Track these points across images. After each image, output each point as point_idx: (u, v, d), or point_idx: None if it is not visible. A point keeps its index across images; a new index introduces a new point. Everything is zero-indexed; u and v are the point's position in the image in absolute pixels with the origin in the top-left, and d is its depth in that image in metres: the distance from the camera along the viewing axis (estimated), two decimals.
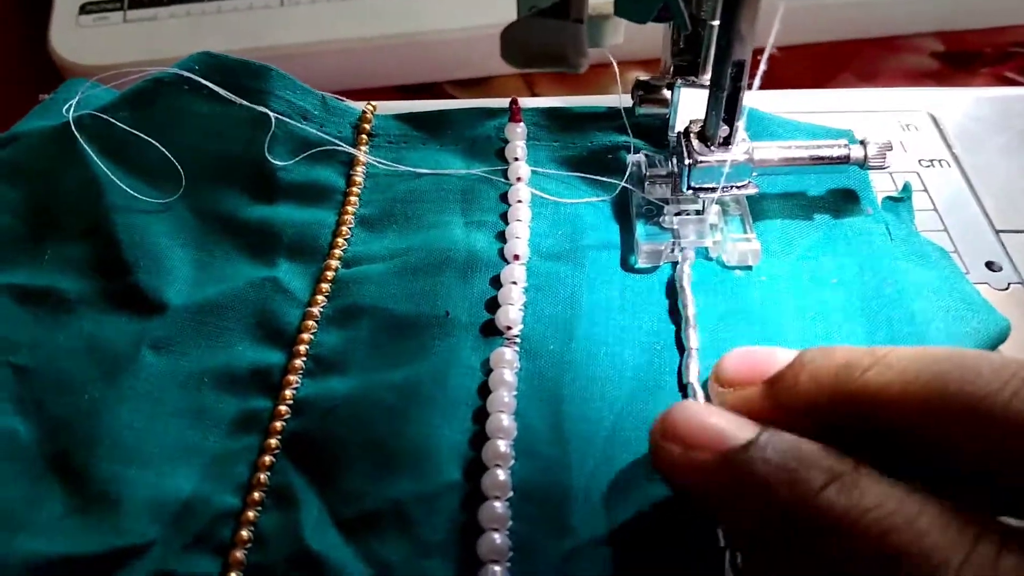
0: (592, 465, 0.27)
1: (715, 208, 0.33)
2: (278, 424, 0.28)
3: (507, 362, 0.29)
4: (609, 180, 0.35)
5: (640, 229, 0.33)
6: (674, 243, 0.32)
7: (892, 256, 0.32)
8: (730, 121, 0.30)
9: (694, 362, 0.29)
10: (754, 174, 0.32)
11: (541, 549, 0.25)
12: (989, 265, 0.34)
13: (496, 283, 0.32)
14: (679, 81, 0.32)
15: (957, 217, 0.35)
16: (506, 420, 0.27)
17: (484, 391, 0.28)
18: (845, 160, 0.32)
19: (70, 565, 0.25)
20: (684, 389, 0.29)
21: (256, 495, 0.26)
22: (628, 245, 0.33)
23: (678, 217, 0.33)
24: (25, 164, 0.35)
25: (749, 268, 0.32)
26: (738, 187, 0.32)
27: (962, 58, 0.61)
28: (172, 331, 0.31)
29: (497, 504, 0.26)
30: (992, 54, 0.61)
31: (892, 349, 0.21)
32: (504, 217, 0.34)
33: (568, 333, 0.30)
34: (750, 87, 0.29)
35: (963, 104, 0.41)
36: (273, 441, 0.28)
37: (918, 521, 0.18)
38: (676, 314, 0.31)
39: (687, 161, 0.31)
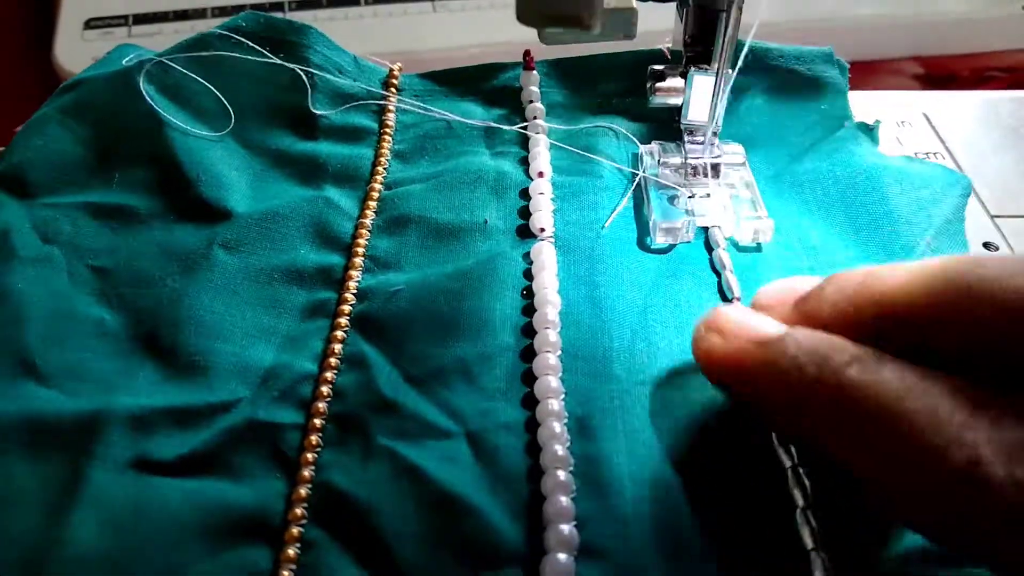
0: (629, 334, 0.30)
1: (725, 191, 0.35)
2: (346, 308, 0.31)
3: (547, 253, 0.33)
4: (624, 170, 0.36)
5: (656, 209, 0.34)
6: (689, 221, 0.33)
7: (861, 155, 0.37)
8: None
9: (726, 256, 0.33)
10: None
11: (590, 390, 0.29)
12: (987, 245, 0.35)
13: (525, 196, 0.35)
14: (692, 69, 0.34)
15: None
16: (551, 295, 0.31)
17: (528, 276, 0.32)
18: None
19: (169, 414, 0.28)
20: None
21: (332, 361, 0.29)
22: (643, 227, 0.35)
23: (691, 199, 0.34)
24: (90, 103, 0.38)
25: (759, 248, 0.34)
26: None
27: (941, 81, 0.64)
28: (240, 234, 0.34)
29: (550, 357, 0.29)
30: (970, 78, 0.64)
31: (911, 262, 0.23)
32: (525, 146, 0.38)
33: (595, 232, 0.34)
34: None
35: (954, 105, 0.43)
36: (343, 321, 0.31)
37: (932, 388, 0.20)
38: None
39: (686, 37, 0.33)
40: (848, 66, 0.40)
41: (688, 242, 0.34)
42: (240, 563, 0.25)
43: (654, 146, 0.37)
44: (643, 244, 0.34)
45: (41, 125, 0.37)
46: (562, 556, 0.24)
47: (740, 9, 0.31)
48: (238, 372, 0.29)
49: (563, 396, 0.28)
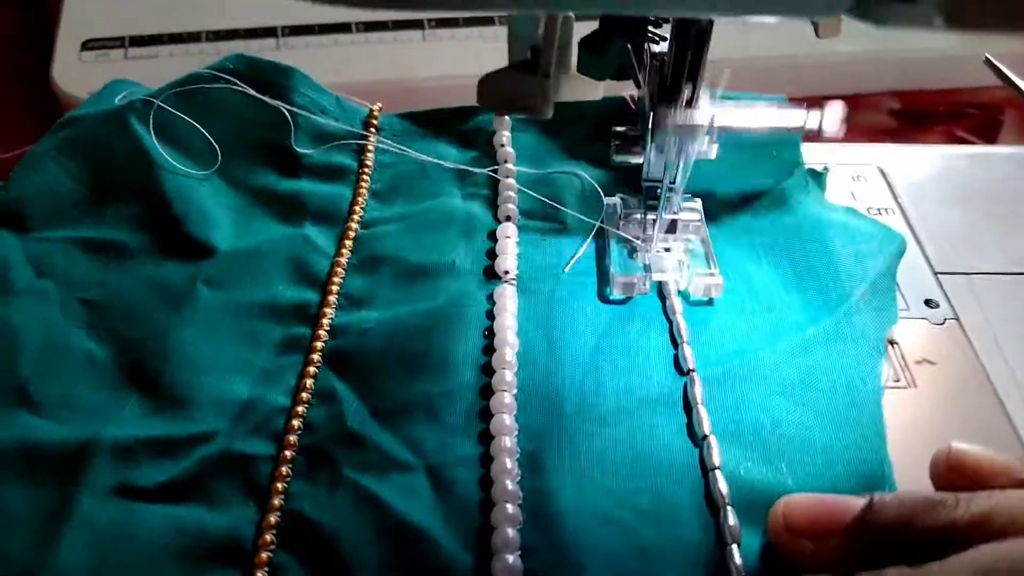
0: (580, 374, 0.33)
1: (682, 246, 0.37)
2: (318, 344, 0.34)
3: (508, 295, 0.35)
4: (587, 220, 0.38)
5: (616, 263, 0.36)
6: (646, 276, 0.35)
7: (808, 205, 0.39)
8: (693, 78, 0.32)
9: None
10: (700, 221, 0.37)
11: (542, 427, 0.31)
12: (928, 302, 0.37)
13: (493, 237, 0.38)
14: (650, 136, 0.35)
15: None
16: (511, 336, 0.33)
17: (490, 316, 0.35)
18: (800, 130, 0.36)
19: (152, 445, 0.30)
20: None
21: (304, 395, 0.32)
22: (603, 276, 0.37)
23: (649, 254, 0.36)
24: (84, 140, 0.40)
25: (710, 303, 0.36)
26: (700, 151, 0.34)
27: (918, 116, 0.65)
28: (222, 271, 0.36)
29: (506, 395, 0.32)
30: (946, 113, 0.65)
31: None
32: (495, 189, 0.41)
33: (556, 277, 0.37)
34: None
35: (909, 159, 0.45)
36: (315, 356, 0.33)
37: None
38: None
39: (649, 124, 0.33)
40: None
41: (644, 294, 0.36)
42: None
43: (617, 199, 0.39)
44: (602, 294, 0.36)
45: (38, 162, 0.39)
46: None
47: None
48: (216, 404, 0.31)
49: (516, 433, 0.30)
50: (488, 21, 0.63)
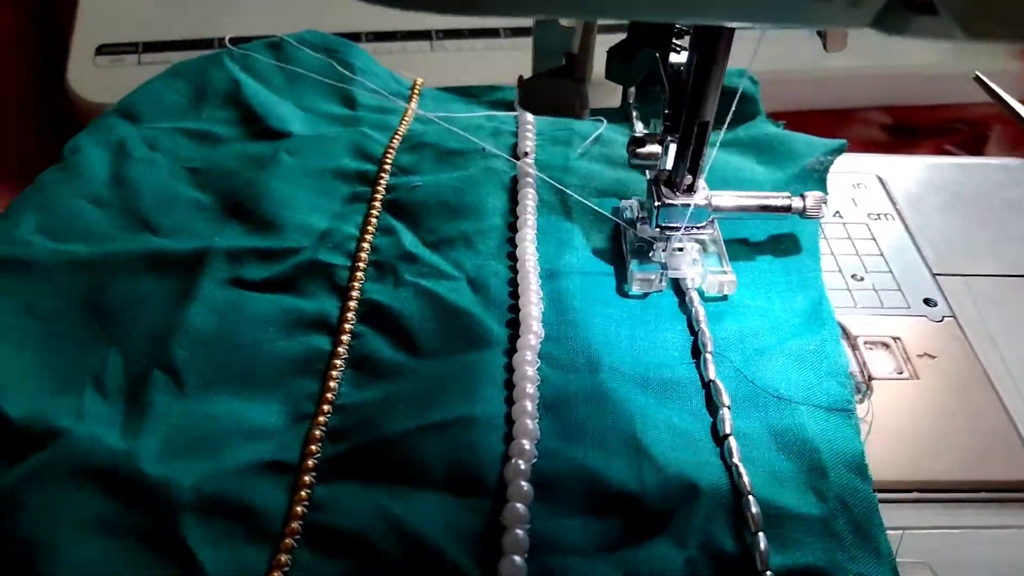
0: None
1: (696, 246, 0.39)
2: (378, 196, 0.42)
3: (528, 165, 0.43)
4: (605, 214, 0.40)
5: (633, 261, 0.38)
6: (662, 273, 0.37)
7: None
8: (693, 171, 0.36)
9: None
10: (711, 218, 0.38)
11: (557, 256, 0.39)
12: (927, 301, 0.39)
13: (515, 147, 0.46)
14: (668, 137, 0.37)
15: (900, 261, 0.41)
16: (530, 193, 0.42)
17: (513, 181, 0.43)
18: (787, 210, 0.39)
19: (255, 253, 0.38)
20: None
21: (369, 228, 0.40)
22: (621, 272, 0.39)
23: (665, 252, 0.38)
24: (185, 69, 0.50)
25: (725, 298, 0.38)
26: (699, 227, 0.38)
27: (907, 131, 0.68)
28: (298, 145, 0.44)
29: (528, 232, 0.39)
30: (934, 128, 0.67)
31: None
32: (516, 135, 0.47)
33: (567, 160, 0.45)
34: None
35: (907, 169, 0.47)
36: (376, 204, 0.41)
37: None
38: None
39: (656, 203, 0.37)
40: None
41: (660, 291, 0.38)
42: (308, 343, 0.35)
43: (634, 201, 0.41)
44: (620, 290, 0.38)
45: (148, 83, 0.49)
46: (528, 355, 0.33)
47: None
48: (302, 230, 0.39)
49: (537, 258, 0.38)
50: (494, 33, 0.65)
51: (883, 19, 0.22)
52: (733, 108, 0.34)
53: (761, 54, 0.64)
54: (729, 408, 0.32)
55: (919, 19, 0.21)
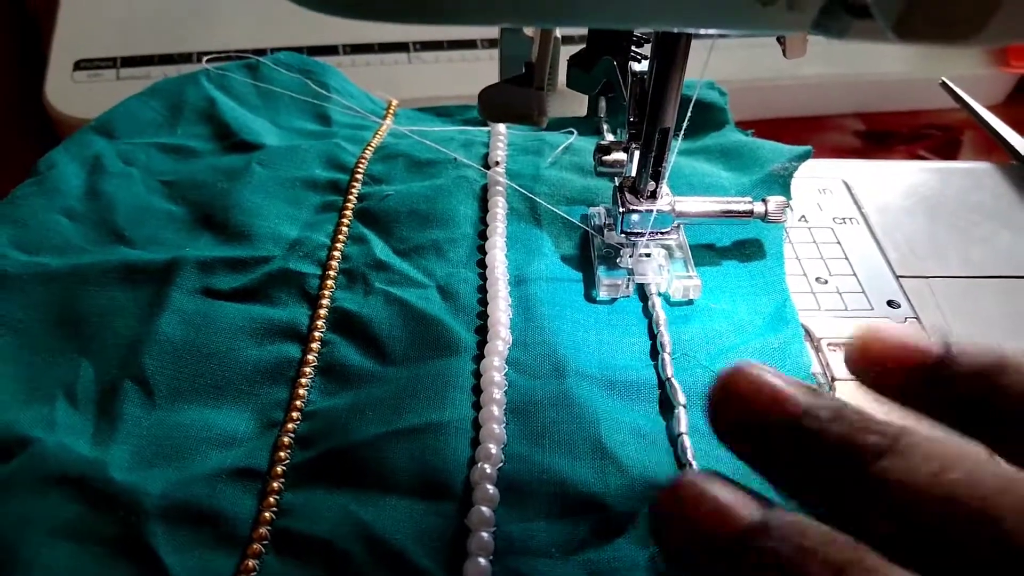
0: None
1: (662, 251, 0.39)
2: (349, 206, 0.42)
3: (499, 174, 0.44)
4: (573, 221, 0.41)
5: (601, 267, 0.39)
6: (629, 279, 0.38)
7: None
8: (656, 177, 0.37)
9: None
10: (676, 223, 0.39)
11: (526, 261, 0.40)
12: (890, 303, 0.40)
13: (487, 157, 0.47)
14: (633, 145, 0.38)
15: (864, 264, 0.42)
16: (500, 201, 0.42)
17: (484, 190, 0.44)
18: (750, 214, 0.40)
19: (226, 262, 0.38)
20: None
21: (340, 237, 0.40)
22: (589, 278, 0.39)
23: (631, 258, 0.39)
24: (162, 88, 0.50)
25: (691, 302, 0.38)
26: (663, 233, 0.38)
27: (881, 136, 0.68)
28: (272, 156, 0.45)
29: (498, 239, 0.40)
30: (907, 134, 0.68)
31: None
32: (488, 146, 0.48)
33: (537, 169, 0.46)
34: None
35: (873, 173, 0.48)
36: (347, 214, 0.42)
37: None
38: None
39: (620, 210, 0.38)
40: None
41: (628, 296, 0.38)
42: (278, 351, 0.35)
43: (600, 208, 0.41)
44: (588, 296, 0.38)
45: (125, 101, 0.49)
46: (496, 361, 0.34)
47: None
48: (273, 239, 0.40)
49: (506, 265, 0.39)
50: (471, 44, 0.65)
51: (823, 23, 0.23)
52: (689, 115, 0.35)
53: (730, 62, 0.65)
54: (685, 407, 0.33)
55: (858, 22, 0.22)
